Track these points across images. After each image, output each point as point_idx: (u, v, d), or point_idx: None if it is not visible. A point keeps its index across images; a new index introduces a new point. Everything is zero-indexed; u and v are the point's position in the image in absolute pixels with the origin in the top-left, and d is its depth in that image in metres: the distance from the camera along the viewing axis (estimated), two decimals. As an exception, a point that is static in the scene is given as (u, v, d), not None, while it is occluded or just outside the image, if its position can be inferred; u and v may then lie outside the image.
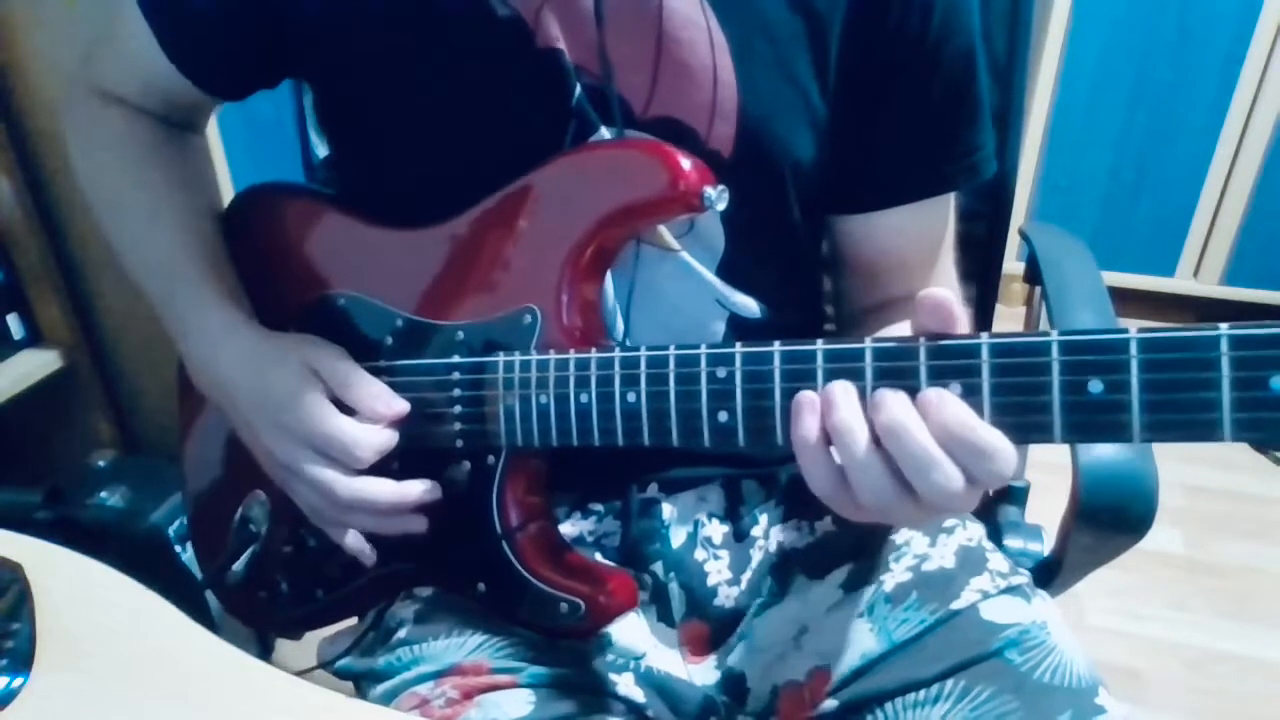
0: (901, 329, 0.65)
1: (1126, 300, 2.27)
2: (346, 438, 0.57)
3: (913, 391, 0.45)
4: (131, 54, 0.68)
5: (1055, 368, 0.42)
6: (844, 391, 0.46)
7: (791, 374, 0.48)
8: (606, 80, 0.59)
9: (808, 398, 0.47)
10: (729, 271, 0.66)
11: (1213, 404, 0.39)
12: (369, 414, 0.59)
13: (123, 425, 1.43)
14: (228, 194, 0.75)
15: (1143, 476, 0.65)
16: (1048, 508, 0.78)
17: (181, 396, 0.76)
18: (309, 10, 0.63)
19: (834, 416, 0.45)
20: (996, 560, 0.64)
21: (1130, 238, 2.32)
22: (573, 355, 0.55)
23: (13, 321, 1.27)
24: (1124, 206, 2.30)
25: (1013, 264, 0.96)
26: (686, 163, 0.55)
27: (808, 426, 0.46)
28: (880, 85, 0.62)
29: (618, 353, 0.54)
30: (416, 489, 0.59)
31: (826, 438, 0.46)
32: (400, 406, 0.60)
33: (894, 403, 0.44)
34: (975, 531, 0.67)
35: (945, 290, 0.45)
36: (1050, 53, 2.17)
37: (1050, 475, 0.62)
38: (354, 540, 0.62)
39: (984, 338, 0.44)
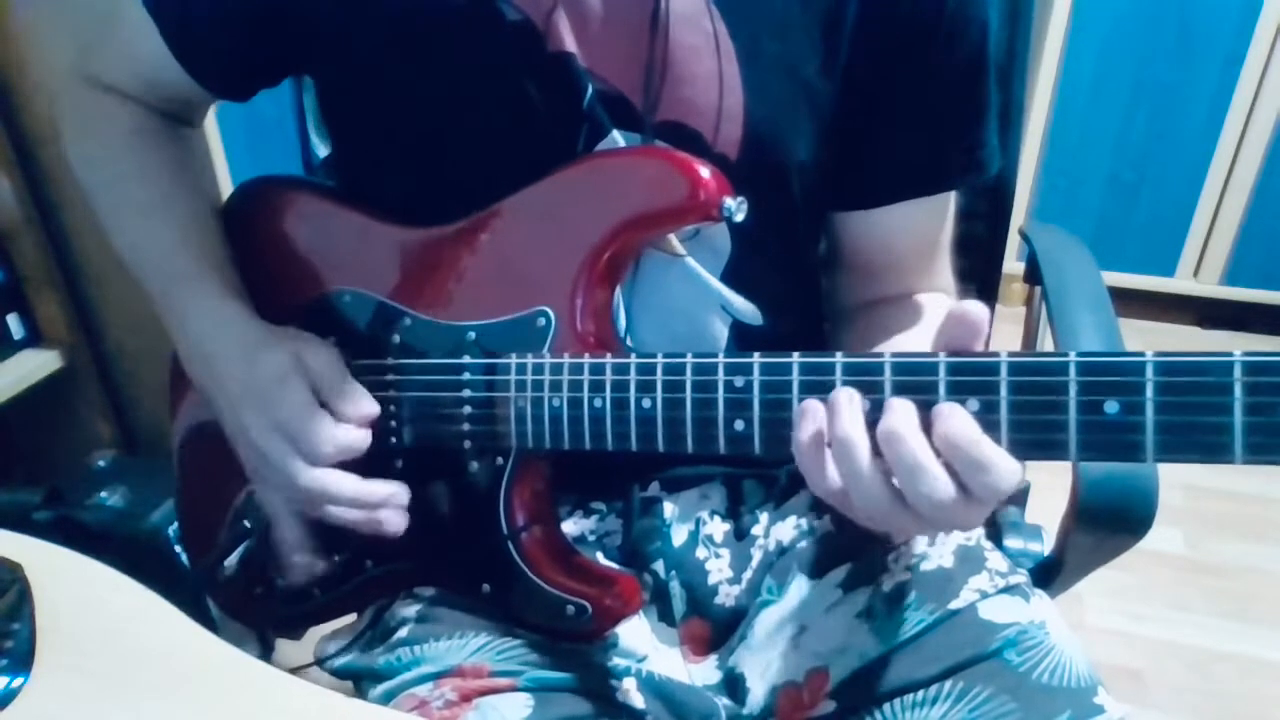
0: (905, 339, 0.65)
1: (1126, 300, 2.27)
2: (315, 432, 0.58)
3: (929, 406, 0.46)
4: (133, 50, 0.68)
5: (1073, 388, 0.43)
6: (848, 400, 0.47)
7: (810, 385, 0.49)
8: (650, 100, 0.59)
9: (812, 406, 0.47)
10: (733, 275, 0.66)
11: (1225, 428, 0.41)
12: (339, 413, 0.59)
13: (123, 425, 1.44)
14: (227, 193, 0.75)
15: (1143, 477, 0.65)
16: (1048, 508, 0.78)
17: (173, 392, 0.76)
18: (317, 12, 0.63)
19: (837, 427, 0.46)
20: (995, 559, 0.64)
21: (1130, 238, 2.32)
22: (588, 359, 0.55)
23: (13, 321, 1.27)
24: (1124, 206, 2.30)
25: (1013, 264, 0.96)
26: (706, 172, 0.55)
27: (808, 433, 0.47)
28: (888, 81, 0.62)
29: (634, 358, 0.54)
30: (381, 490, 0.59)
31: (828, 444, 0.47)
32: (369, 410, 0.60)
33: (896, 410, 0.45)
34: (974, 531, 0.67)
35: (981, 306, 0.45)
36: (1050, 53, 2.17)
37: (1050, 475, 0.62)
38: (293, 536, 0.62)
39: (1003, 355, 0.45)
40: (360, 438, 0.59)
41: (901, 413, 0.45)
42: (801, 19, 0.60)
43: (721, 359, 0.51)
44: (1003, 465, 0.44)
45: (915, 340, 0.63)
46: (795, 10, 0.60)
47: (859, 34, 0.61)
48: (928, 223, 0.69)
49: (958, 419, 0.44)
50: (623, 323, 0.64)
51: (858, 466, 0.45)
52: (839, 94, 0.62)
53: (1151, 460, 0.42)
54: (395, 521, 0.60)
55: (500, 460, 0.60)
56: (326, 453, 0.58)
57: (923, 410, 0.46)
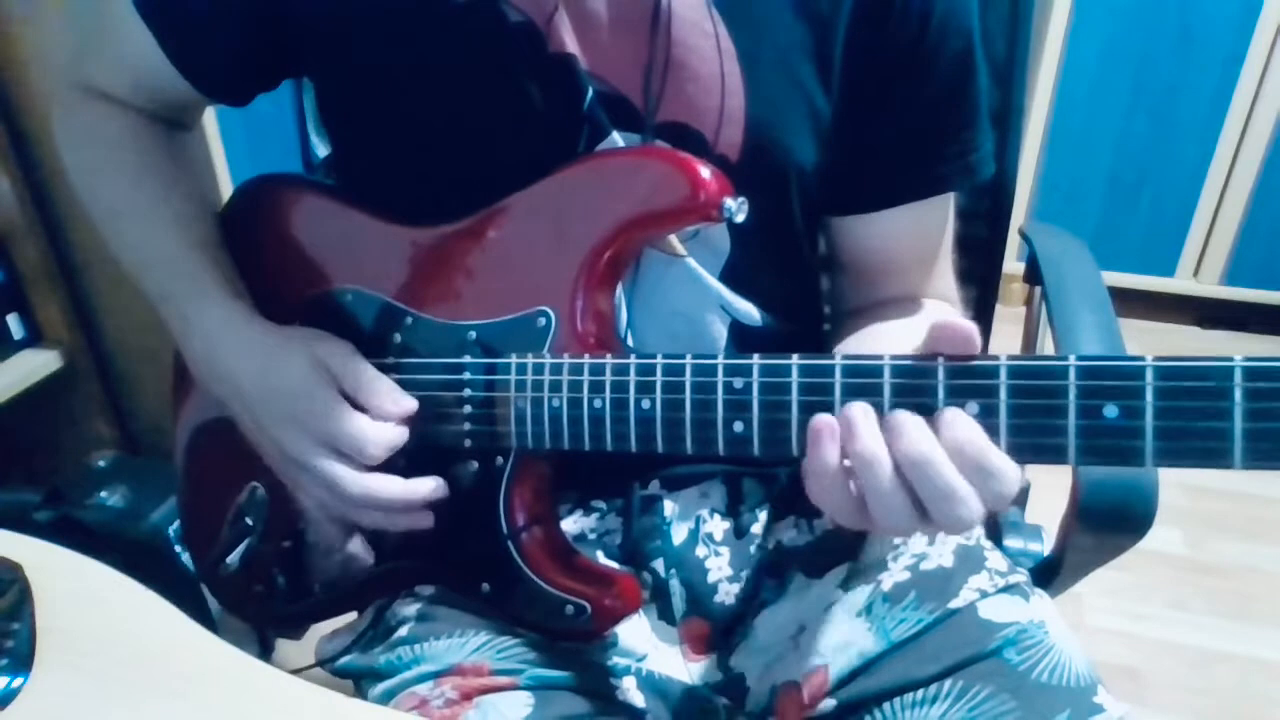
0: (894, 329, 0.65)
1: (1126, 300, 2.27)
2: (359, 434, 0.57)
3: (929, 409, 0.45)
4: (128, 55, 0.68)
5: (1072, 391, 0.43)
6: (865, 416, 0.46)
7: (809, 387, 0.49)
8: (649, 101, 0.59)
9: (826, 423, 0.47)
10: (732, 275, 0.66)
11: (1225, 433, 0.41)
12: (379, 411, 0.59)
13: (123, 425, 1.43)
14: (227, 193, 0.76)
15: (1143, 477, 0.65)
16: (1048, 508, 0.78)
17: (176, 389, 0.76)
18: (314, 14, 0.63)
19: (857, 444, 0.46)
20: (995, 559, 0.64)
21: (1130, 238, 2.32)
22: (587, 360, 0.56)
23: (13, 321, 1.27)
24: (1124, 206, 2.30)
25: (1013, 264, 0.96)
26: (707, 172, 0.55)
27: (828, 454, 0.46)
28: (880, 87, 0.63)
29: (633, 359, 0.54)
30: (425, 486, 0.59)
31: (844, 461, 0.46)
32: (409, 404, 0.60)
33: (915, 431, 0.45)
34: (974, 530, 0.67)
35: (970, 325, 0.45)
36: (1050, 53, 2.17)
37: (1050, 475, 0.62)
38: (354, 546, 0.62)
39: (1002, 359, 0.45)
40: (402, 433, 0.59)
41: (923, 434, 0.45)
42: (796, 24, 0.60)
43: (721, 360, 0.51)
44: (1009, 471, 0.44)
45: (906, 333, 0.63)
46: (790, 15, 0.60)
47: (850, 44, 0.61)
48: (924, 227, 0.70)
49: (963, 426, 0.44)
50: (624, 322, 0.64)
51: (880, 484, 0.45)
52: (834, 100, 0.63)
53: (1150, 464, 0.42)
54: (426, 520, 0.61)
55: (500, 460, 0.60)
56: (374, 454, 0.58)
57: (925, 415, 0.46)
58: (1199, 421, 0.41)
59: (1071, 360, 0.43)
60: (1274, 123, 2.11)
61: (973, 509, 0.44)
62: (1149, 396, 0.42)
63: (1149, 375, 0.42)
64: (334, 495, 0.59)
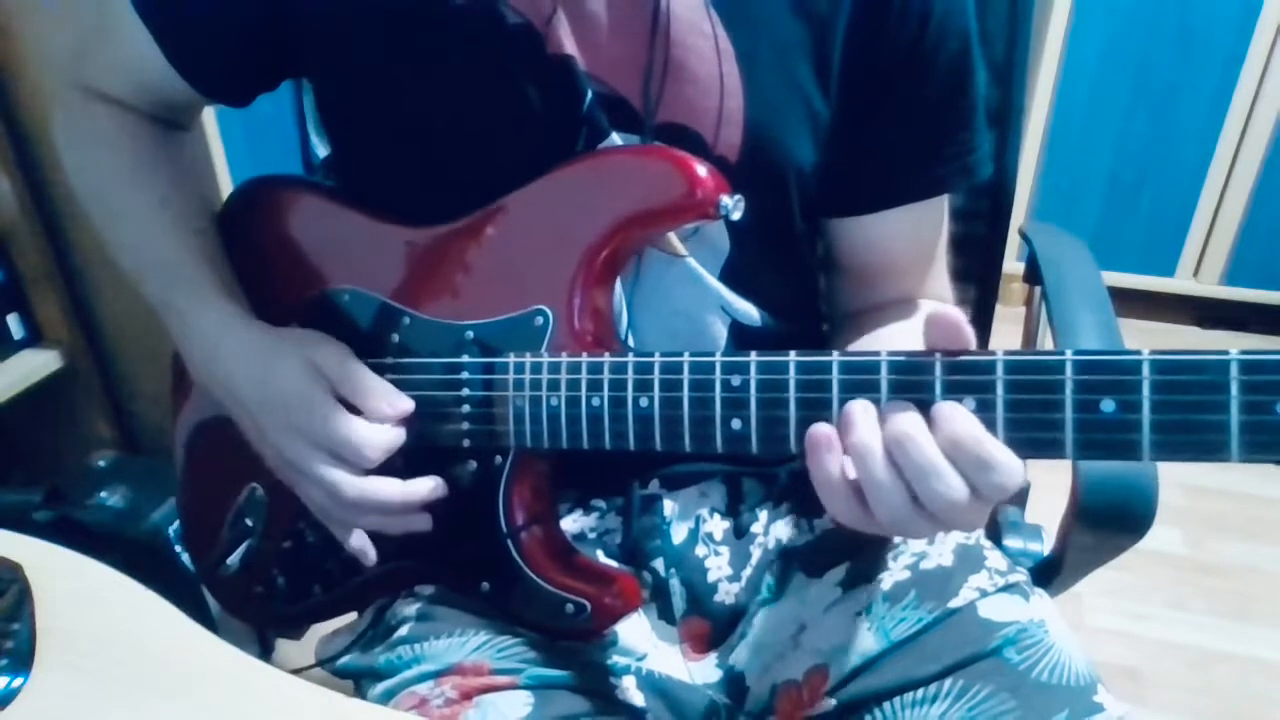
0: (898, 331, 0.65)
1: (1126, 300, 2.27)
2: (356, 438, 0.57)
3: (926, 405, 0.46)
4: (127, 56, 0.68)
5: (1069, 386, 0.43)
6: (863, 411, 0.47)
7: (807, 385, 0.49)
8: (648, 102, 0.60)
9: (824, 434, 0.47)
10: (732, 275, 0.66)
11: (1221, 426, 0.41)
12: (374, 413, 0.59)
13: (123, 425, 1.43)
14: (227, 193, 0.76)
15: (1143, 476, 0.65)
16: (1048, 507, 0.78)
17: (175, 390, 0.76)
18: (314, 14, 0.63)
19: (854, 436, 0.46)
20: (995, 558, 0.64)
21: (1130, 238, 2.32)
22: (585, 358, 0.56)
23: (13, 321, 1.27)
24: (1124, 206, 2.30)
25: (1013, 264, 0.96)
26: (703, 170, 0.56)
27: (825, 463, 0.47)
28: (878, 89, 0.63)
29: (631, 357, 0.54)
30: (423, 487, 0.59)
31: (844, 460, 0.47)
32: (405, 405, 0.60)
33: (903, 414, 0.46)
34: (974, 530, 0.67)
35: (956, 310, 0.46)
36: (1050, 53, 2.18)
37: (1050, 475, 0.62)
38: (358, 542, 0.62)
39: (999, 354, 0.45)
40: (399, 434, 0.59)
41: (908, 415, 0.46)
42: (794, 25, 0.61)
43: (719, 358, 0.51)
44: (1007, 463, 0.44)
45: (908, 335, 0.63)
46: (788, 16, 0.60)
47: (848, 45, 0.61)
48: (922, 228, 0.70)
49: (960, 419, 0.45)
50: (624, 322, 0.64)
51: (875, 474, 0.46)
52: (832, 100, 0.63)
53: (1148, 458, 0.42)
54: (426, 522, 0.61)
55: (499, 459, 0.60)
56: (372, 456, 0.57)
57: (923, 411, 0.46)
58: (1196, 415, 0.41)
59: (1068, 355, 0.43)
60: (1274, 123, 2.11)
61: (954, 487, 0.44)
62: (1146, 390, 0.42)
63: (1145, 369, 0.42)
64: (333, 499, 0.59)
